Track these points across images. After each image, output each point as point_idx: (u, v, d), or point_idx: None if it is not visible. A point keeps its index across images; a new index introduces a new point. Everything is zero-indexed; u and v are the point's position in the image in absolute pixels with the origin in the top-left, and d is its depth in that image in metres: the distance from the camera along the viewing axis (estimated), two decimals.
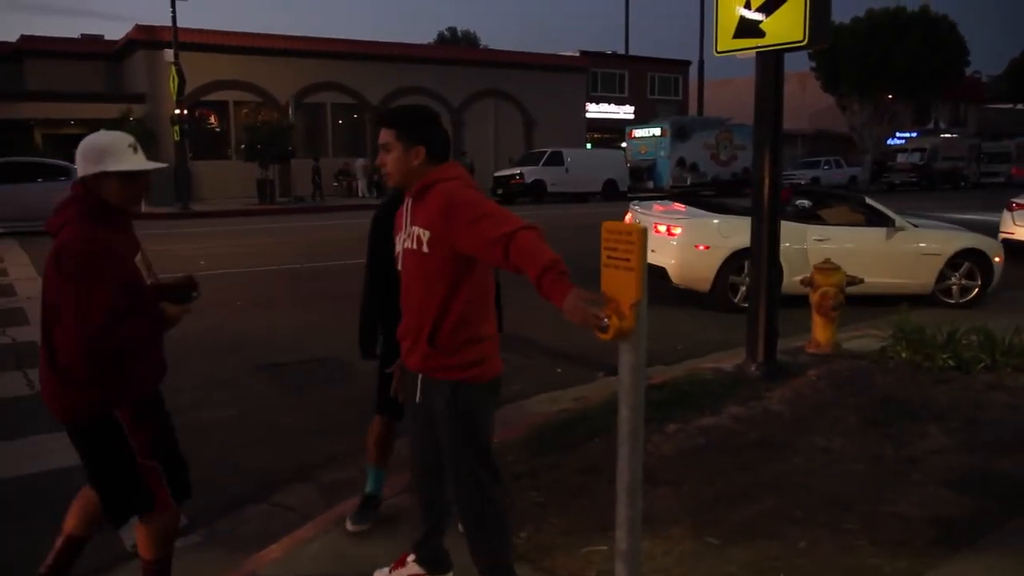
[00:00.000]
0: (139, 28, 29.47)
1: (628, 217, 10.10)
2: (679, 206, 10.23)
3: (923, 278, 9.15)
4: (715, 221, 9.22)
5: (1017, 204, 13.38)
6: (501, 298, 3.48)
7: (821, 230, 9.10)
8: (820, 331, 6.68)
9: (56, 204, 2.68)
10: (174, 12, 24.74)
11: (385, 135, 2.66)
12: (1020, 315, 7.32)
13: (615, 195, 31.27)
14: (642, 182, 34.19)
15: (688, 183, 34.18)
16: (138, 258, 2.75)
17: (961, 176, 42.17)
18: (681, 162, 34.43)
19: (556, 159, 30.25)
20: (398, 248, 2.76)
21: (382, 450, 3.69)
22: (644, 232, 2.02)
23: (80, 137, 2.82)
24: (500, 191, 29.61)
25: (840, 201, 10.20)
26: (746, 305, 8.38)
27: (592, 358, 6.55)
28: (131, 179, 2.66)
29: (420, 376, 2.71)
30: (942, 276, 9.19)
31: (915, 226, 9.35)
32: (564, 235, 17.00)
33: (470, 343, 2.62)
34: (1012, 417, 4.91)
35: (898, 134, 48.25)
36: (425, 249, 2.58)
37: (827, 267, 6.81)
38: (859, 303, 8.22)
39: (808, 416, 4.95)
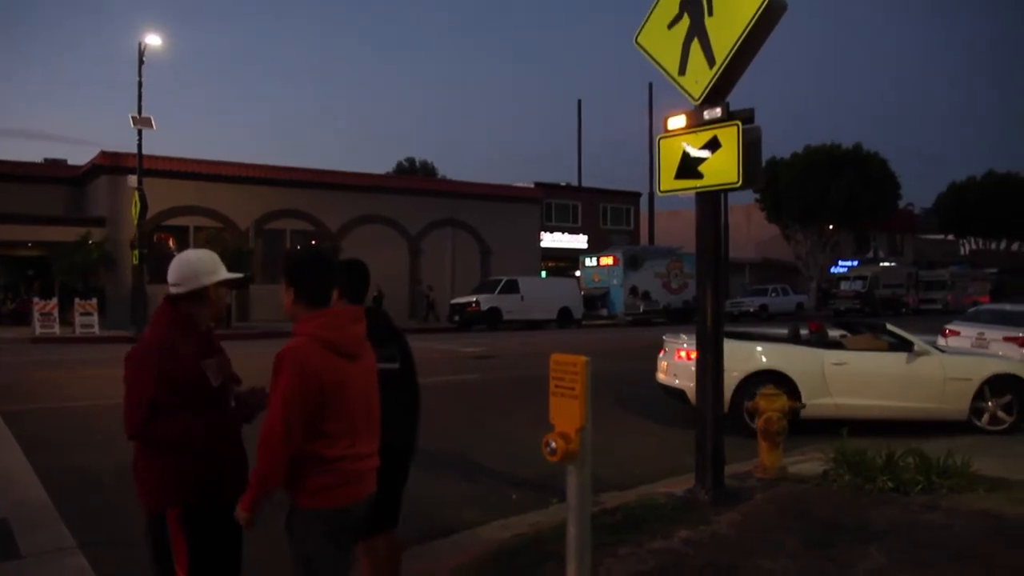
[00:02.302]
0: (104, 154, 29.99)
1: (662, 352, 10.58)
2: None
3: (954, 404, 9.09)
4: (729, 345, 9.57)
5: (951, 331, 14.06)
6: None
7: (838, 355, 9.32)
8: (766, 455, 6.91)
9: None
10: (140, 139, 25.33)
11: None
12: None
13: (569, 322, 31.84)
14: (596, 310, 34.92)
15: (641, 311, 35.02)
16: (209, 362, 2.99)
17: (902, 303, 43.87)
18: (634, 290, 35.36)
19: (511, 287, 30.87)
20: None
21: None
22: (587, 363, 2.26)
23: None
24: (457, 318, 29.98)
25: (866, 329, 10.47)
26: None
27: (546, 484, 6.65)
28: None
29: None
30: (976, 402, 9.12)
31: (941, 351, 9.51)
32: (521, 363, 17.30)
33: None
34: (946, 537, 5.12)
35: (840, 262, 50.35)
36: None
37: (770, 393, 7.11)
38: (876, 430, 8.39)
39: (754, 539, 5.11)
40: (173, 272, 3.02)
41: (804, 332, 10.24)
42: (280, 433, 2.68)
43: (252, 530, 2.84)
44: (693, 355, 9.51)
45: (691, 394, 9.42)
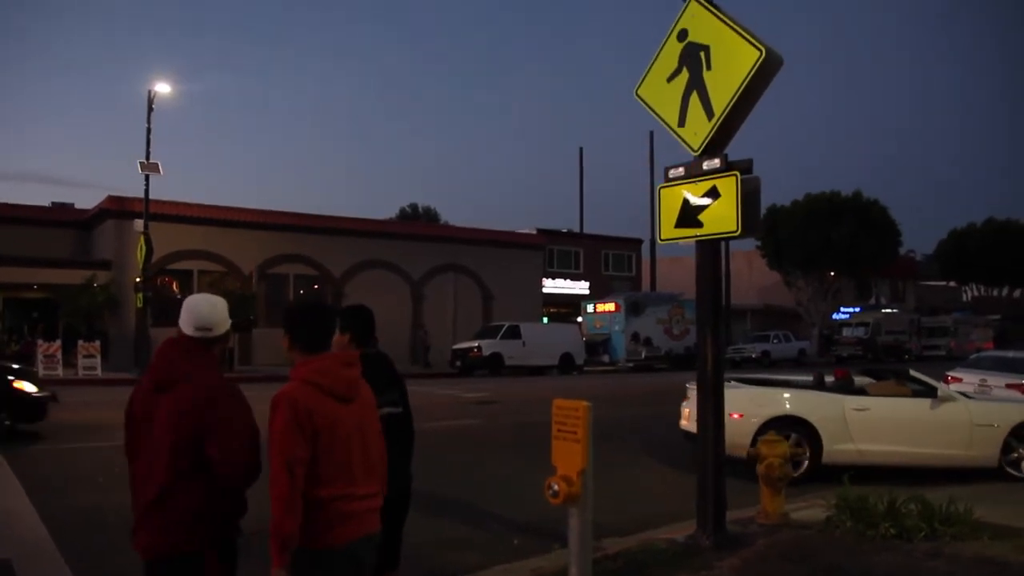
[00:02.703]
0: (111, 198, 30.32)
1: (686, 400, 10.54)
2: None
3: (982, 450, 8.96)
4: (748, 390, 9.57)
5: (953, 377, 14.08)
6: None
7: (860, 400, 9.22)
8: (768, 501, 6.91)
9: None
10: (147, 185, 25.63)
11: None
12: None
13: (571, 368, 31.82)
14: (598, 356, 34.88)
15: (643, 357, 35.01)
16: None
17: (904, 349, 43.82)
18: (635, 336, 35.36)
19: (513, 333, 30.88)
20: None
21: None
22: (589, 408, 2.34)
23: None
24: (459, 363, 29.97)
25: (892, 375, 10.36)
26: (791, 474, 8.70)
27: (548, 529, 6.64)
28: None
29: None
30: (1007, 449, 8.97)
31: (969, 397, 9.42)
32: (523, 408, 17.27)
33: None
34: None
35: (842, 309, 50.35)
36: None
37: (771, 439, 7.13)
38: (880, 477, 8.31)
39: None
40: (208, 317, 3.06)
41: (830, 379, 10.21)
42: (283, 475, 2.73)
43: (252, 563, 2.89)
44: None
45: None
